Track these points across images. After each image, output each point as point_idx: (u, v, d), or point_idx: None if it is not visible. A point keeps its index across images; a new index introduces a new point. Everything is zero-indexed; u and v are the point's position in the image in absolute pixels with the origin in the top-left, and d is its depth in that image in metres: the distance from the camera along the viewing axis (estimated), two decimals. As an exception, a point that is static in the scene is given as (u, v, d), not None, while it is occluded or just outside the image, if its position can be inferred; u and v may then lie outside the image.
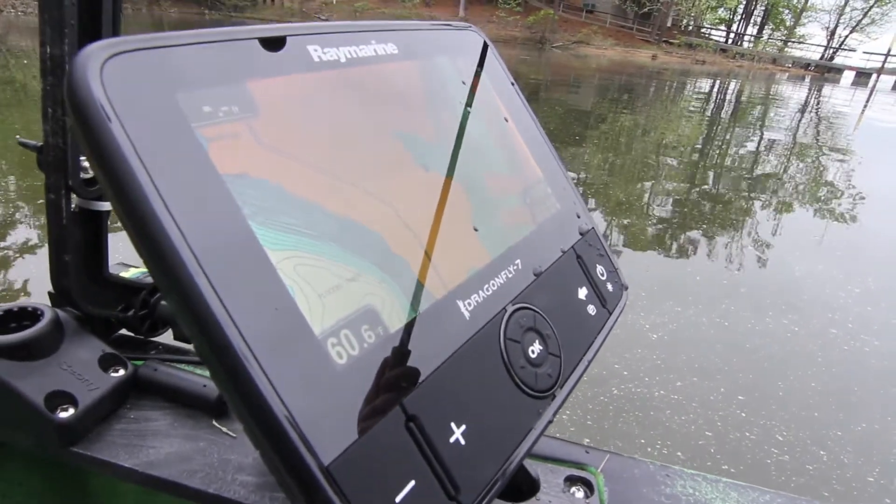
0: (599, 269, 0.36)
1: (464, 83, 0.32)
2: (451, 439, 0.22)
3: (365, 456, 0.19)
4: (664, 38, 31.24)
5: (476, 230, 0.28)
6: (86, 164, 0.42)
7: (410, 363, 0.22)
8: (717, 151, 6.51)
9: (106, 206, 0.44)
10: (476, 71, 0.34)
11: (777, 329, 2.35)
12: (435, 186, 0.27)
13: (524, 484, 0.30)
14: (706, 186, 4.88)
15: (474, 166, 0.30)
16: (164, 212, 0.17)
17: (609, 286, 0.36)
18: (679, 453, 1.63)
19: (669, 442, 1.66)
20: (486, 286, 0.27)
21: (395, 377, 0.21)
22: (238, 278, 0.18)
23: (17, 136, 0.45)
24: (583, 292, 0.33)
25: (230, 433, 0.42)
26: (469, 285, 0.26)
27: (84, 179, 0.42)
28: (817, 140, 8.03)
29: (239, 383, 0.17)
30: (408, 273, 0.24)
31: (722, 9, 34.85)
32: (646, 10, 30.77)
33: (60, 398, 0.39)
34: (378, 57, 0.27)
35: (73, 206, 0.42)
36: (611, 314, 0.34)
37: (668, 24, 32.95)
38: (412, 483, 0.20)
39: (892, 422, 1.82)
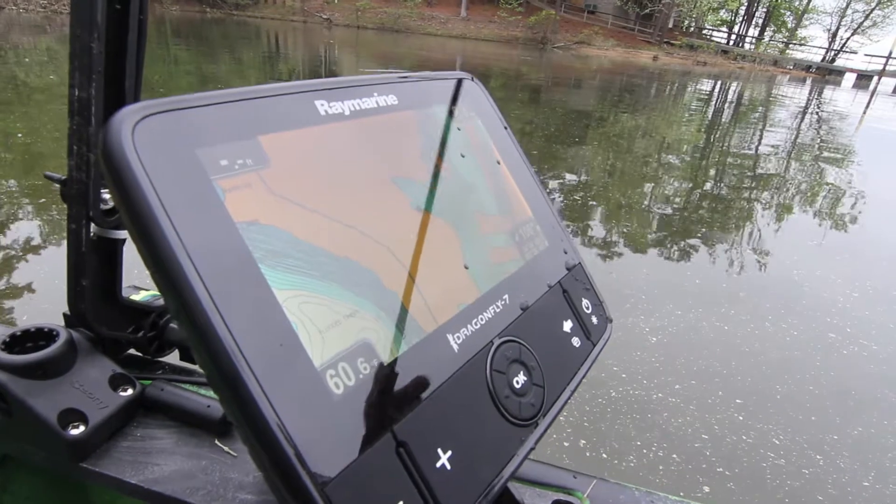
0: (585, 302, 0.37)
1: (459, 129, 0.34)
2: (438, 464, 0.24)
3: (358, 478, 0.21)
4: (665, 40, 31.23)
5: (467, 268, 0.30)
6: (105, 195, 0.44)
7: (401, 393, 0.24)
8: (717, 154, 6.51)
9: (122, 234, 0.46)
10: (470, 117, 0.36)
11: (777, 333, 2.37)
12: (432, 228, 0.29)
13: None
14: (706, 188, 4.89)
15: (467, 208, 0.32)
16: (183, 255, 0.19)
17: (594, 319, 0.37)
18: (674, 455, 1.63)
19: (665, 444, 1.67)
20: (475, 320, 0.29)
21: (386, 406, 0.23)
22: (248, 315, 0.20)
23: (45, 172, 0.47)
24: (568, 325, 0.35)
25: (231, 452, 0.44)
26: (458, 320, 0.28)
27: (103, 210, 0.44)
28: (817, 143, 8.04)
29: (245, 409, 0.19)
30: (401, 310, 0.26)
31: (723, 10, 34.82)
32: (647, 11, 30.75)
33: (72, 416, 0.40)
34: (379, 108, 0.30)
35: (91, 234, 0.44)
36: (595, 346, 0.36)
37: (670, 26, 32.94)
38: None
39: (887, 426, 1.83)
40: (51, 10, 16.86)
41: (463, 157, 0.34)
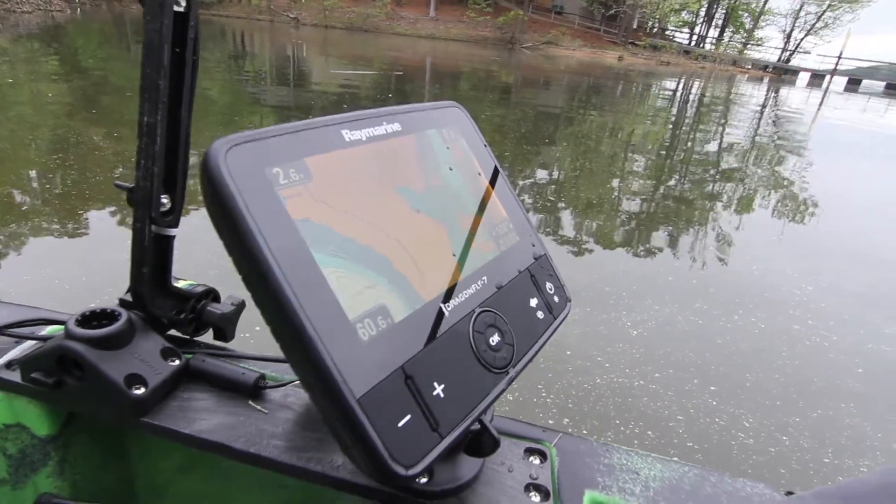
0: (549, 285, 0.46)
1: (448, 148, 0.43)
2: (434, 393, 0.33)
3: (380, 397, 0.30)
4: (630, 40, 31.97)
5: (454, 255, 0.39)
6: (164, 200, 0.52)
7: (408, 342, 0.33)
8: (680, 149, 6.76)
9: (174, 231, 0.53)
10: (456, 138, 0.45)
11: (745, 326, 2.51)
12: (426, 225, 0.38)
13: (489, 442, 0.38)
14: (671, 183, 5.09)
15: (454, 210, 0.41)
16: (262, 241, 0.28)
17: (556, 298, 0.46)
18: (650, 432, 1.74)
19: (642, 423, 1.78)
20: (461, 294, 0.38)
21: (397, 350, 0.32)
22: (304, 283, 0.29)
23: (115, 182, 0.53)
24: (534, 301, 0.44)
25: (263, 410, 0.51)
26: (449, 293, 0.37)
27: (161, 212, 0.51)
28: (775, 140, 8.42)
29: (303, 346, 0.28)
30: (407, 284, 0.35)
31: (685, 11, 35.86)
32: (612, 12, 31.44)
33: (135, 380, 0.48)
34: (388, 134, 0.39)
35: (151, 232, 0.52)
36: (556, 318, 0.45)
37: (634, 26, 33.73)
38: (408, 416, 0.31)
39: (844, 408, 1.98)
40: (3, 9, 16.16)
41: (451, 170, 0.43)
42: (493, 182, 0.46)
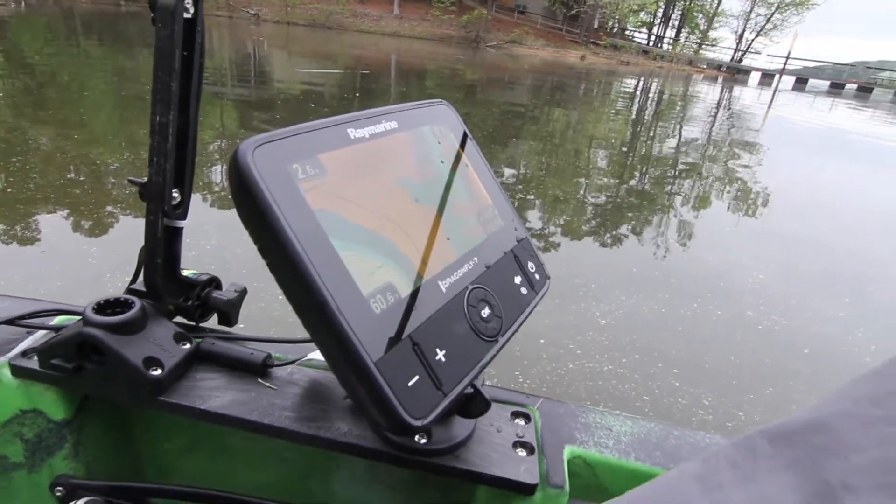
0: (530, 264, 0.52)
1: (439, 143, 0.48)
2: (437, 357, 0.38)
3: (392, 360, 0.35)
4: (592, 40, 32.58)
5: (448, 239, 0.44)
6: (175, 194, 0.54)
7: (413, 314, 0.37)
8: (641, 143, 7.00)
9: (183, 223, 0.56)
10: (446, 133, 0.50)
11: (704, 313, 2.66)
12: (424, 212, 0.43)
13: (481, 403, 0.43)
14: (633, 178, 5.27)
15: (446, 198, 0.46)
16: (290, 230, 0.32)
17: (537, 276, 0.52)
18: (617, 411, 1.84)
19: (611, 403, 1.89)
20: (455, 273, 0.43)
21: (405, 321, 0.37)
22: (325, 265, 0.33)
23: (128, 177, 0.55)
24: (518, 279, 0.49)
25: (272, 387, 0.55)
26: (445, 272, 0.42)
27: (172, 206, 0.54)
28: (729, 135, 8.79)
29: (328, 322, 0.33)
30: (410, 265, 0.39)
31: (643, 12, 36.81)
32: (574, 12, 31.99)
33: (152, 362, 0.51)
34: (387, 131, 0.43)
35: (162, 224, 0.55)
36: (537, 294, 0.51)
37: (595, 26, 34.41)
38: (417, 377, 0.36)
39: (793, 385, 2.14)
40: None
41: (442, 162, 0.47)
42: (478, 172, 0.51)
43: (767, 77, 33.91)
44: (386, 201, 0.40)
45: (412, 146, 0.45)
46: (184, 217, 0.56)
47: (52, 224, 2.79)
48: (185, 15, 0.49)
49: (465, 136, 0.52)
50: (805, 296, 3.03)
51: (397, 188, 0.41)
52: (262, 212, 0.32)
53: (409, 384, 0.35)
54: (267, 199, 0.32)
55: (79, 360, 0.51)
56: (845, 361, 2.37)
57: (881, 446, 0.19)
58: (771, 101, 18.42)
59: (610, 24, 36.57)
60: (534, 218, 3.89)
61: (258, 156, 0.33)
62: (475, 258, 0.46)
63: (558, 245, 3.45)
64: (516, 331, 0.46)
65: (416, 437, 0.48)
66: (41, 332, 0.58)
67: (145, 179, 0.53)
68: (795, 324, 2.66)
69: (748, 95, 20.04)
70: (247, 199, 0.32)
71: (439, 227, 0.44)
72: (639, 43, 36.87)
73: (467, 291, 0.43)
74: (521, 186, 4.63)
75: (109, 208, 3.05)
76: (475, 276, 0.45)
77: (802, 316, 2.76)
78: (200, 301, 0.60)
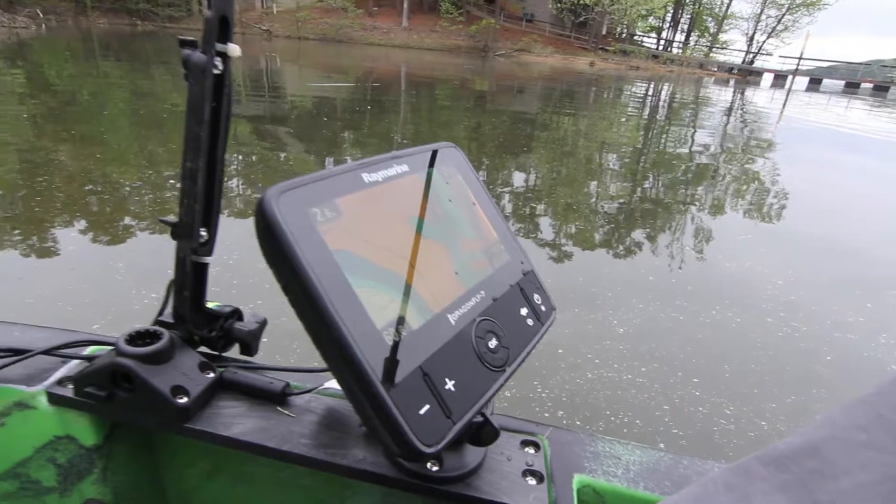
0: (536, 296, 0.53)
1: (447, 183, 0.50)
2: (446, 387, 0.39)
3: (404, 389, 0.37)
4: (600, 46, 32.59)
5: (456, 273, 0.46)
6: (202, 233, 0.57)
7: (423, 345, 0.39)
8: (655, 150, 6.95)
9: (208, 259, 0.59)
10: (453, 173, 0.52)
11: (723, 321, 2.63)
12: (433, 249, 0.45)
13: (491, 432, 0.45)
14: (647, 183, 5.24)
15: (454, 235, 0.48)
16: (311, 270, 0.35)
17: (543, 307, 0.53)
18: (638, 421, 1.83)
19: (630, 413, 1.87)
20: (463, 306, 0.44)
21: (416, 352, 0.39)
22: (342, 301, 0.36)
23: (160, 218, 0.58)
24: (524, 311, 0.51)
25: (290, 414, 0.56)
26: (454, 305, 0.44)
27: (199, 244, 0.57)
28: (744, 139, 8.69)
29: (345, 354, 0.35)
30: (420, 299, 0.41)
31: (652, 17, 36.74)
32: (582, 18, 32.04)
33: (179, 390, 0.53)
34: (398, 174, 0.45)
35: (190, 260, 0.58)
36: (543, 325, 0.52)
37: (604, 32, 34.41)
38: (427, 406, 0.38)
39: (815, 394, 2.10)
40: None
41: (450, 201, 0.50)
42: (484, 209, 0.54)
43: (780, 78, 33.57)
44: (397, 239, 0.42)
45: (421, 187, 0.47)
46: (210, 254, 0.58)
47: (77, 241, 2.86)
48: (215, 71, 0.52)
49: (471, 175, 0.55)
50: (826, 301, 2.98)
51: (408, 227, 0.43)
52: (285, 254, 0.35)
53: (421, 412, 0.37)
54: (290, 243, 0.34)
55: (111, 388, 0.53)
56: (868, 369, 2.32)
57: (865, 470, 0.20)
58: (785, 102, 18.20)
59: (618, 29, 36.53)
60: (546, 226, 3.88)
61: (282, 203, 0.35)
62: (482, 291, 0.47)
63: (571, 255, 3.44)
64: (523, 361, 0.48)
65: (429, 465, 0.49)
66: (75, 362, 0.61)
67: (175, 219, 0.56)
68: (815, 330, 2.62)
69: (761, 97, 19.84)
70: (272, 242, 0.35)
71: (448, 263, 0.46)
72: (648, 48, 36.77)
73: (475, 323, 0.45)
74: (531, 195, 4.63)
75: (144, 231, 3.11)
76: (483, 308, 0.46)
77: (823, 322, 2.72)
78: (223, 332, 0.62)
